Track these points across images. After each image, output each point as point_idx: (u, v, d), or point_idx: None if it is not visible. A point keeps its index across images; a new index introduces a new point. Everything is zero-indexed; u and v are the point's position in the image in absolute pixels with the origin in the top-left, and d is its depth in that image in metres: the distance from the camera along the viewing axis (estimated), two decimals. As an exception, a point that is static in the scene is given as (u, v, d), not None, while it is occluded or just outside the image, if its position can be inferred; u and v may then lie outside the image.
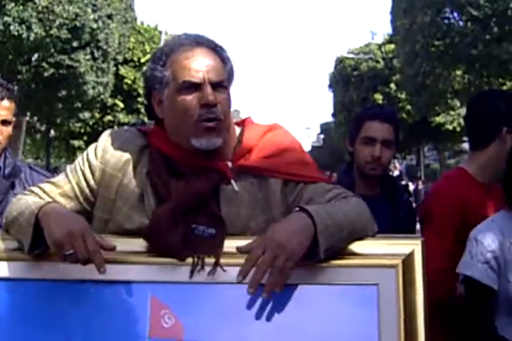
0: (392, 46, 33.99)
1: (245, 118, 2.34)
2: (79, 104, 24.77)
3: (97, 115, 31.19)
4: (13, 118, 3.30)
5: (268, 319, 1.98)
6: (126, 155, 2.18)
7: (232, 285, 1.96)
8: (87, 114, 27.15)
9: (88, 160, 2.21)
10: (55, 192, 2.19)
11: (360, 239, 2.06)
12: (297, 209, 2.00)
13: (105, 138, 2.24)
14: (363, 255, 2.03)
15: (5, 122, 3.23)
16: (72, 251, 1.88)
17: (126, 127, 2.42)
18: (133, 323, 1.98)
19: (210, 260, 2.02)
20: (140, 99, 33.84)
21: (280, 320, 1.98)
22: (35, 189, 2.22)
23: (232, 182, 2.13)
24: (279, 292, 1.90)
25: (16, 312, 2.00)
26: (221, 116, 2.09)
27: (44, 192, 2.19)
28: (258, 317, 1.98)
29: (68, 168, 2.26)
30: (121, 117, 32.82)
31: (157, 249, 2.03)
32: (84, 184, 2.19)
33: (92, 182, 2.19)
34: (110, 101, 30.96)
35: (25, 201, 2.12)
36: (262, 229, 2.03)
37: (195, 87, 2.08)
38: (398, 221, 3.17)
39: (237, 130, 2.27)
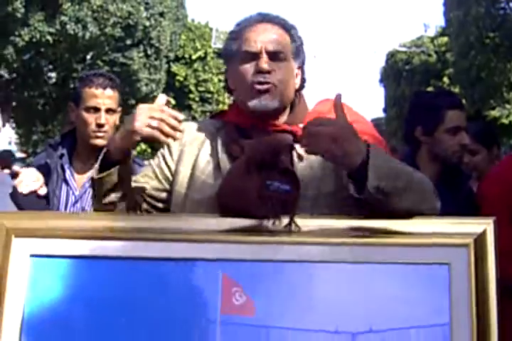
0: (445, 39, 33.56)
1: None
2: (133, 101, 25.03)
3: (150, 112, 31.44)
4: (119, 108, 3.42)
5: (337, 298, 1.98)
6: (203, 134, 2.32)
7: (303, 264, 1.98)
8: (140, 111, 27.37)
9: (167, 144, 2.28)
10: (138, 175, 2.32)
11: (428, 218, 2.04)
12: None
13: (182, 124, 2.32)
14: (434, 234, 2.02)
15: (109, 111, 3.35)
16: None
17: None
18: (204, 300, 2.00)
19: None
20: (192, 96, 34.05)
21: (350, 299, 1.98)
22: None
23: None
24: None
25: (90, 291, 2.03)
26: (274, 82, 2.20)
27: None
28: (328, 296, 1.98)
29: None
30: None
31: (232, 206, 2.05)
32: (163, 164, 2.31)
33: (170, 162, 2.30)
34: (163, 98, 31.22)
35: None
36: (333, 191, 2.11)
37: (253, 56, 2.21)
38: (459, 208, 3.16)
39: (311, 107, 2.35)
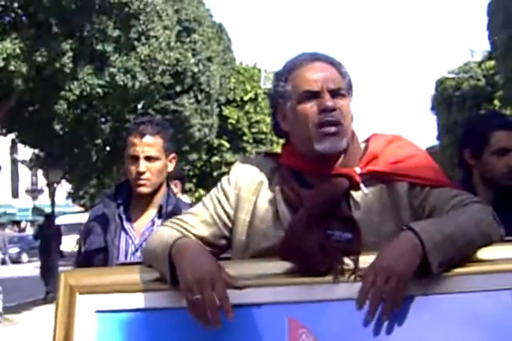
0: (492, 62, 33.31)
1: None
2: (186, 147, 25.24)
3: (204, 156, 31.68)
4: (163, 154, 3.41)
5: (405, 333, 1.97)
6: (258, 178, 2.29)
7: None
8: (195, 156, 27.64)
9: (222, 187, 2.31)
10: (194, 220, 2.28)
11: (489, 244, 2.05)
12: (404, 227, 2.01)
13: (236, 166, 2.36)
14: (493, 260, 2.03)
15: (150, 158, 3.35)
16: (199, 296, 1.93)
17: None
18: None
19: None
20: (245, 138, 34.22)
21: (417, 333, 1.97)
22: (174, 220, 2.32)
23: (362, 186, 2.17)
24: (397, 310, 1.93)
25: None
26: (341, 120, 2.17)
27: (183, 221, 2.28)
28: (397, 332, 1.98)
29: (204, 198, 2.37)
30: (228, 157, 33.20)
31: (292, 258, 2.06)
32: (220, 210, 2.28)
33: (227, 208, 2.28)
34: (216, 141, 31.46)
35: (162, 233, 2.23)
36: (394, 232, 2.06)
37: (314, 95, 2.19)
38: None
39: (363, 144, 2.33)
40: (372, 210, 2.17)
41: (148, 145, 3.36)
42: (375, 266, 1.94)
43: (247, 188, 2.28)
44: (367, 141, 2.34)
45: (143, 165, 3.33)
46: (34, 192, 49.53)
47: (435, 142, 43.52)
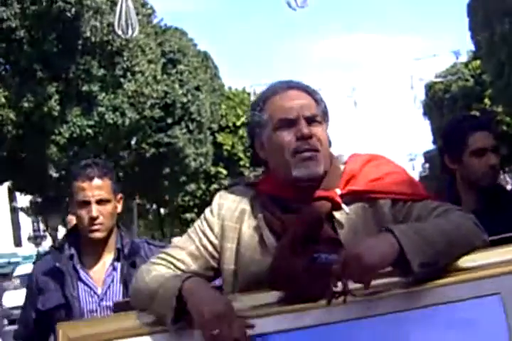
0: (478, 62, 33.48)
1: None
2: (184, 178, 25.29)
3: (203, 186, 31.68)
4: (112, 196, 3.29)
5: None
6: (240, 206, 2.29)
7: (357, 321, 2.00)
8: (192, 186, 27.66)
9: (206, 219, 2.31)
10: (182, 254, 2.28)
11: (472, 250, 2.05)
12: (383, 229, 2.02)
13: (217, 197, 2.36)
14: (478, 267, 2.02)
15: (100, 202, 3.23)
16: (218, 331, 1.95)
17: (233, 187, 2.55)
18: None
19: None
20: (242, 163, 34.26)
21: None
22: (163, 256, 2.31)
23: (343, 206, 2.18)
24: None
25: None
26: (317, 147, 2.18)
27: (171, 256, 2.28)
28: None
29: (189, 230, 2.37)
30: (227, 184, 33.14)
31: (282, 284, 2.07)
32: (206, 241, 2.28)
33: (212, 238, 2.28)
34: (213, 169, 31.49)
35: (160, 273, 2.22)
36: None
37: (290, 123, 2.19)
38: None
39: (342, 166, 2.33)
40: (357, 229, 2.17)
41: (98, 188, 3.24)
42: (345, 253, 1.96)
43: (229, 217, 2.28)
44: (345, 163, 2.34)
45: (95, 209, 3.21)
46: (37, 238, 49.45)
47: (432, 146, 43.63)
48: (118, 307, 2.35)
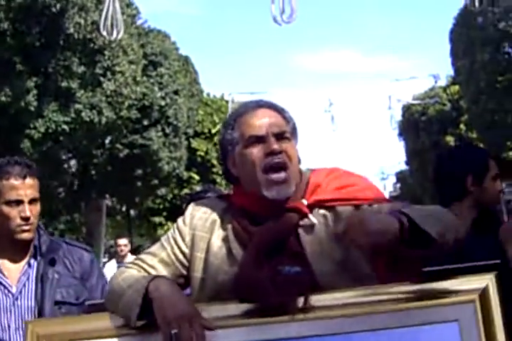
0: (457, 87, 33.76)
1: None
2: (156, 181, 25.18)
3: (175, 190, 31.58)
4: (38, 195, 3.19)
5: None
6: (211, 217, 2.37)
7: (323, 338, 2.05)
8: (164, 190, 27.57)
9: (178, 228, 2.40)
10: (154, 261, 2.36)
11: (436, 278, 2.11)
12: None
13: (191, 207, 2.44)
14: (440, 293, 2.09)
15: (33, 201, 3.14)
16: (177, 330, 2.00)
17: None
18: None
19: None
20: (215, 170, 34.17)
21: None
22: (136, 261, 2.39)
23: (310, 216, 2.25)
24: None
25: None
26: (287, 163, 2.26)
27: (144, 262, 2.36)
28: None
29: (162, 238, 2.44)
30: (198, 189, 32.90)
31: (247, 295, 2.12)
32: (177, 250, 2.36)
33: (183, 247, 2.35)
34: (186, 174, 31.32)
35: (130, 274, 2.30)
36: (346, 259, 2.17)
37: (260, 139, 2.28)
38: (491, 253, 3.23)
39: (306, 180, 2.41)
40: (322, 240, 2.24)
41: (31, 186, 3.15)
42: (348, 218, 2.07)
43: (201, 227, 2.36)
44: (309, 177, 2.41)
45: (28, 209, 3.11)
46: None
47: (404, 167, 43.89)
48: (93, 308, 2.41)
